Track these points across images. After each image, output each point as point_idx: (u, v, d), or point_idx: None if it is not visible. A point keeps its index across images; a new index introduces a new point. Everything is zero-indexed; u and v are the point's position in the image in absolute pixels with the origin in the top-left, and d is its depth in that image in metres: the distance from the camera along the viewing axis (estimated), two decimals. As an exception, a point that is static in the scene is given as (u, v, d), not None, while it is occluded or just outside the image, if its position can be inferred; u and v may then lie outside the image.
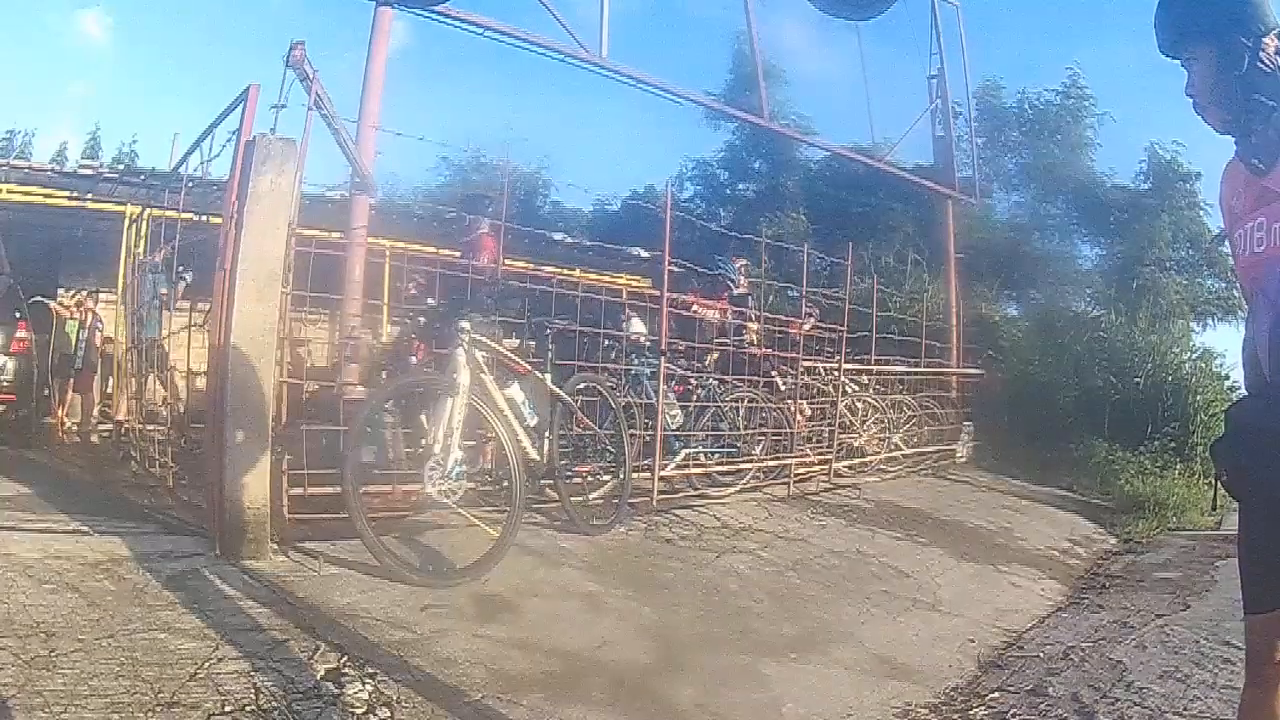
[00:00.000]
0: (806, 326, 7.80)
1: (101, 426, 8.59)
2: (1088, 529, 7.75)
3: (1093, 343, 12.28)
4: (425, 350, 5.01)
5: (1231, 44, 1.75)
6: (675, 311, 6.41)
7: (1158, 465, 10.41)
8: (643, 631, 3.49)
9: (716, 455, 6.45)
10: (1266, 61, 1.75)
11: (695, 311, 6.90)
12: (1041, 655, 3.91)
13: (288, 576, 3.47)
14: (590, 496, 5.06)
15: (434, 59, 36.53)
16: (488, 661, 2.94)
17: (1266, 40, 1.75)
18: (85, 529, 3.77)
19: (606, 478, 5.18)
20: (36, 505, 4.50)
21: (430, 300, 5.00)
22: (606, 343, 5.86)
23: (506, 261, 6.27)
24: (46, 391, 8.58)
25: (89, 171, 9.59)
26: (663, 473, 5.79)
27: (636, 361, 6.03)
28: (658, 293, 6.27)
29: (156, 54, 46.87)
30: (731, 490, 6.34)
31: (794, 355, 7.34)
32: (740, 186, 18.53)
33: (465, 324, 4.05)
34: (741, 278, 7.73)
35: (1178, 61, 1.86)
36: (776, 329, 7.68)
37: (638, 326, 6.19)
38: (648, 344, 6.12)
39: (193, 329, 4.90)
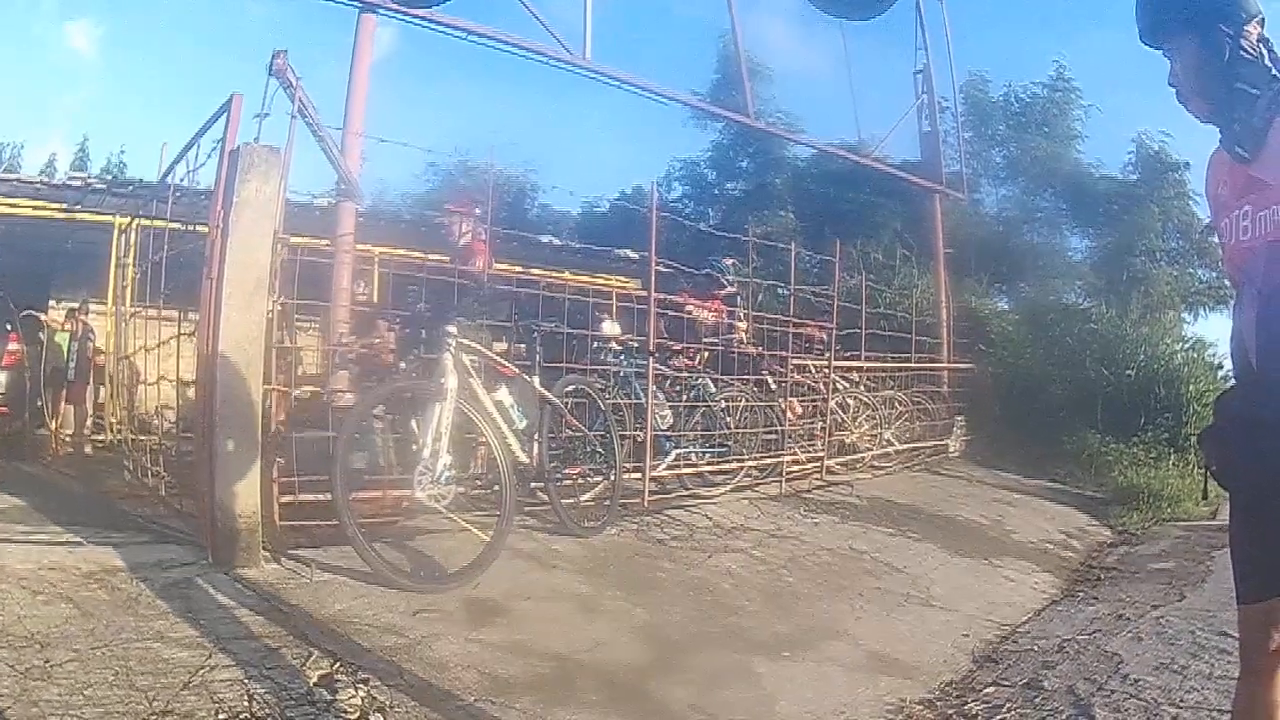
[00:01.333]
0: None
1: (95, 438, 8.57)
2: (1081, 521, 7.75)
3: (1084, 334, 12.26)
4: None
5: (1213, 33, 1.74)
6: (663, 311, 6.41)
7: (1151, 456, 10.36)
8: (635, 633, 3.50)
9: (708, 455, 6.45)
10: (1249, 49, 1.73)
11: (688, 311, 6.91)
12: (1036, 649, 3.91)
13: (280, 584, 3.48)
14: (581, 498, 5.06)
15: (419, 64, 36.57)
16: (480, 665, 2.95)
17: (1248, 28, 1.73)
18: (79, 540, 3.76)
19: (597, 479, 5.18)
20: (30, 517, 4.50)
21: (420, 305, 4.98)
22: (595, 344, 5.87)
23: (494, 265, 6.25)
24: (39, 404, 8.56)
25: (78, 183, 9.56)
26: (654, 473, 5.80)
27: (625, 362, 6.04)
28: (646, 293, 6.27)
29: (144, 63, 46.88)
30: (723, 489, 6.33)
31: (784, 354, 7.35)
32: (728, 185, 18.57)
33: (452, 328, 4.06)
34: (731, 276, 7.76)
35: (1160, 51, 1.85)
36: (767, 326, 7.70)
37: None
38: (636, 345, 6.12)
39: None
